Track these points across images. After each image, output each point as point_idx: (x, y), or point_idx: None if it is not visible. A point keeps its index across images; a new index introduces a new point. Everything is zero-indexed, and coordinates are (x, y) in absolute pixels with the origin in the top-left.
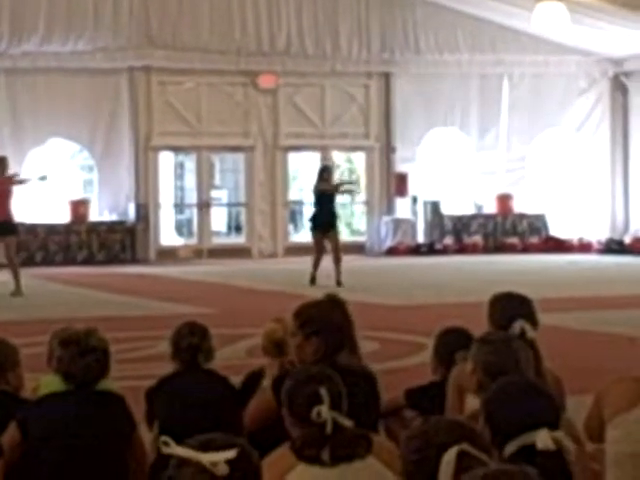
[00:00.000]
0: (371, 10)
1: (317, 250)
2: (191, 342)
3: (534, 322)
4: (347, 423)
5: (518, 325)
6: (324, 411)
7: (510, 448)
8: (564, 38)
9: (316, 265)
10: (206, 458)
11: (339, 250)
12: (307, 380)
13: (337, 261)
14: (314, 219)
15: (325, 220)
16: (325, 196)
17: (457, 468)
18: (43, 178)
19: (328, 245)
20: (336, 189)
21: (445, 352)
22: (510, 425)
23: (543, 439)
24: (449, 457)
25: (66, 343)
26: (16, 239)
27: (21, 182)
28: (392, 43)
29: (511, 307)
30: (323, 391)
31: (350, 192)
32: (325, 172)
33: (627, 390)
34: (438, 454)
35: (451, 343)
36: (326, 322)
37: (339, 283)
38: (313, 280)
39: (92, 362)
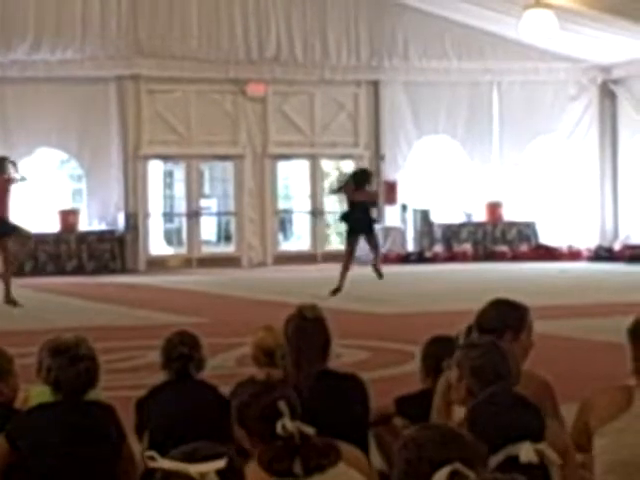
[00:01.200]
0: (360, 18)
1: (347, 253)
2: (182, 352)
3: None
4: (311, 431)
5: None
6: (288, 424)
7: (494, 460)
8: (552, 45)
9: (345, 270)
10: (194, 469)
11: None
12: (259, 394)
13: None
14: (346, 219)
15: (360, 222)
16: (363, 203)
17: None
18: (23, 179)
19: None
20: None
21: (431, 361)
22: (493, 437)
23: (526, 452)
24: (440, 477)
25: (55, 352)
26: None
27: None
28: (381, 51)
29: (493, 313)
30: (281, 404)
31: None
32: (363, 176)
33: (612, 399)
34: (431, 470)
35: (437, 351)
36: (293, 335)
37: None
38: (338, 289)
39: (82, 371)
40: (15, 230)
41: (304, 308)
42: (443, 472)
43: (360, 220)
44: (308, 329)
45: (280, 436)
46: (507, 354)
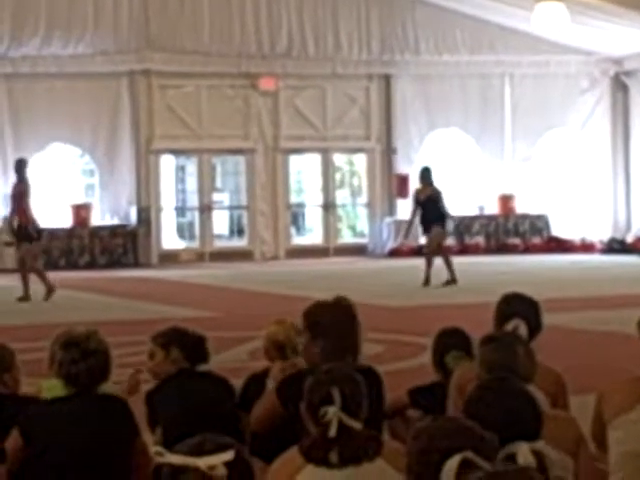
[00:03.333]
0: (371, 12)
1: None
2: None
3: (534, 324)
4: (356, 425)
5: (513, 323)
6: (331, 412)
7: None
8: (564, 38)
9: (448, 264)
10: (202, 462)
11: (441, 248)
12: (324, 380)
13: (445, 260)
14: (422, 220)
15: (427, 220)
16: (428, 200)
17: (459, 476)
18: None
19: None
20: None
21: (438, 353)
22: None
23: (524, 454)
24: (451, 465)
25: (67, 346)
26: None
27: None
28: (392, 45)
29: (512, 306)
30: (335, 392)
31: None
32: (427, 173)
33: (626, 391)
34: (441, 459)
35: (443, 344)
36: (332, 325)
37: (453, 281)
38: (453, 279)
39: (93, 364)
40: (32, 240)
41: (341, 299)
42: (454, 460)
43: None
44: (345, 319)
45: (322, 422)
46: (523, 351)
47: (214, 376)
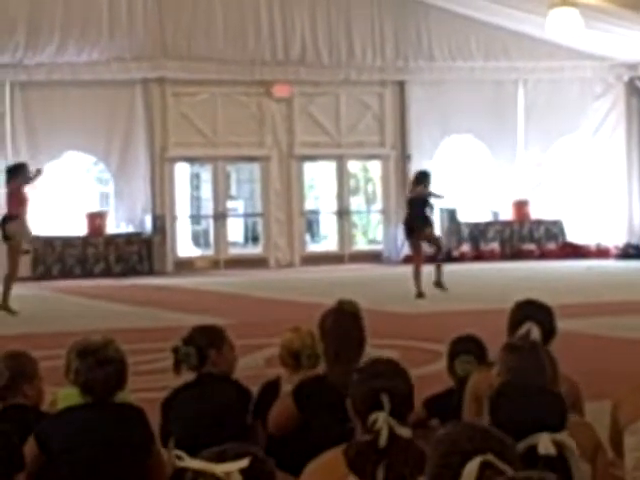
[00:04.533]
0: (385, 18)
1: (415, 255)
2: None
3: (548, 328)
4: (405, 433)
5: (526, 327)
6: (380, 420)
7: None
8: (578, 44)
9: (417, 275)
10: (219, 469)
11: (437, 244)
12: (370, 377)
13: (436, 256)
14: (406, 223)
15: (416, 221)
16: (416, 200)
17: (479, 479)
18: (39, 172)
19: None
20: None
21: (449, 359)
22: (513, 428)
23: (544, 444)
24: (471, 467)
25: (84, 354)
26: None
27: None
28: (406, 51)
29: (524, 311)
30: (384, 396)
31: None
32: (424, 178)
33: None
34: (462, 462)
35: (454, 350)
36: (333, 329)
37: (439, 284)
38: (420, 294)
39: (110, 373)
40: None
41: (343, 303)
42: (474, 462)
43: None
44: (347, 324)
45: (370, 429)
46: (545, 360)
47: (227, 380)
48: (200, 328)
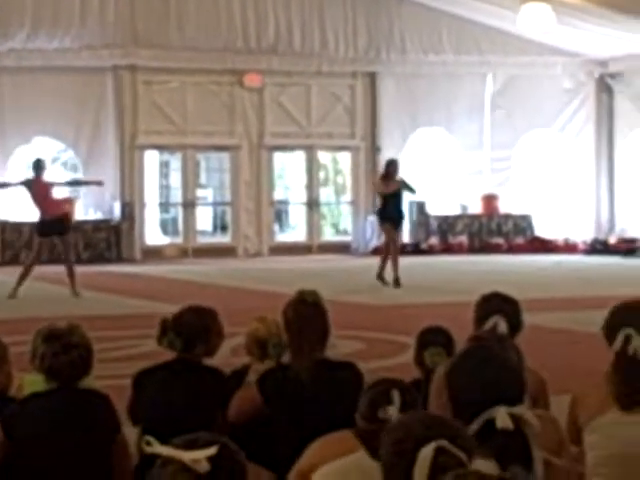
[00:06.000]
0: (358, 10)
1: (388, 241)
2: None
3: (514, 322)
4: None
5: (492, 320)
6: (391, 409)
7: (473, 427)
8: (550, 39)
9: (385, 259)
10: (187, 456)
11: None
12: (381, 381)
13: (396, 258)
14: (382, 212)
15: (394, 214)
16: (391, 194)
17: (434, 464)
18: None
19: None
20: (400, 187)
21: (418, 350)
22: (469, 399)
23: (502, 418)
24: (426, 452)
25: (49, 339)
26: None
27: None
28: (378, 43)
29: (491, 304)
30: (395, 392)
31: (411, 191)
32: (391, 166)
33: (601, 394)
34: (416, 447)
35: (423, 341)
36: (295, 320)
37: (397, 282)
38: (381, 277)
39: (76, 358)
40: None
41: (304, 293)
42: (429, 448)
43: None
44: (308, 314)
45: (380, 419)
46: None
47: (211, 370)
48: (192, 314)
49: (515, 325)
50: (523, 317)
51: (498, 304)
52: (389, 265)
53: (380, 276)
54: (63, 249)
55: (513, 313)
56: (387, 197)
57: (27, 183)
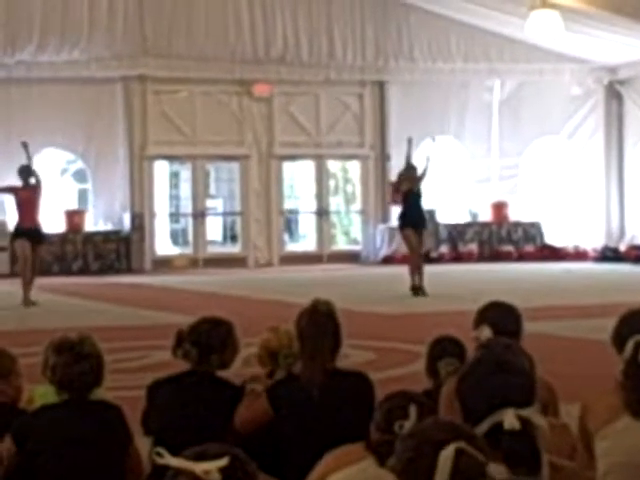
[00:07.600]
0: (366, 18)
1: (411, 248)
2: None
3: (507, 329)
4: None
5: (479, 329)
6: (407, 424)
7: (481, 429)
8: (558, 46)
9: (414, 269)
10: (199, 467)
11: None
12: (399, 394)
13: (419, 265)
14: (404, 216)
15: (416, 217)
16: (413, 194)
17: (455, 466)
18: (25, 145)
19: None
20: (422, 177)
21: (431, 360)
22: (478, 404)
23: (509, 419)
24: (447, 453)
25: (60, 350)
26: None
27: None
28: (386, 51)
29: (483, 313)
30: (412, 408)
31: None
32: (411, 169)
33: (611, 401)
34: (435, 451)
35: (437, 351)
36: (308, 329)
37: (421, 289)
38: (416, 290)
39: (87, 369)
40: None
41: (318, 302)
42: (449, 449)
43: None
44: (321, 323)
45: (395, 433)
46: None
47: (225, 383)
48: (209, 325)
49: (508, 332)
50: (522, 325)
51: (490, 312)
52: (411, 271)
53: (414, 287)
54: (33, 258)
55: (507, 321)
56: (408, 198)
57: (14, 189)
